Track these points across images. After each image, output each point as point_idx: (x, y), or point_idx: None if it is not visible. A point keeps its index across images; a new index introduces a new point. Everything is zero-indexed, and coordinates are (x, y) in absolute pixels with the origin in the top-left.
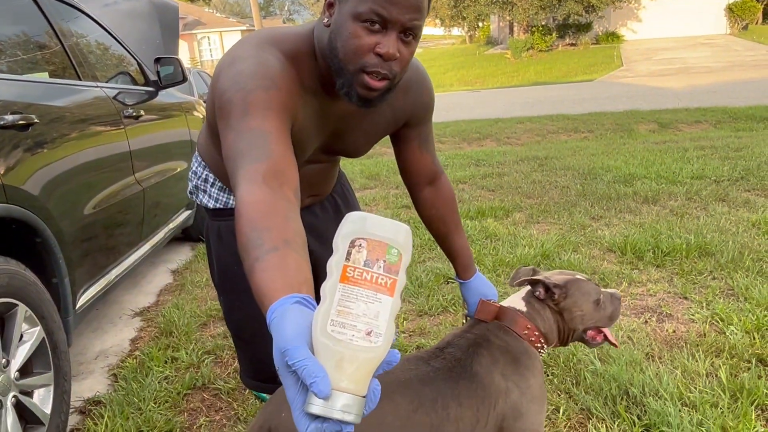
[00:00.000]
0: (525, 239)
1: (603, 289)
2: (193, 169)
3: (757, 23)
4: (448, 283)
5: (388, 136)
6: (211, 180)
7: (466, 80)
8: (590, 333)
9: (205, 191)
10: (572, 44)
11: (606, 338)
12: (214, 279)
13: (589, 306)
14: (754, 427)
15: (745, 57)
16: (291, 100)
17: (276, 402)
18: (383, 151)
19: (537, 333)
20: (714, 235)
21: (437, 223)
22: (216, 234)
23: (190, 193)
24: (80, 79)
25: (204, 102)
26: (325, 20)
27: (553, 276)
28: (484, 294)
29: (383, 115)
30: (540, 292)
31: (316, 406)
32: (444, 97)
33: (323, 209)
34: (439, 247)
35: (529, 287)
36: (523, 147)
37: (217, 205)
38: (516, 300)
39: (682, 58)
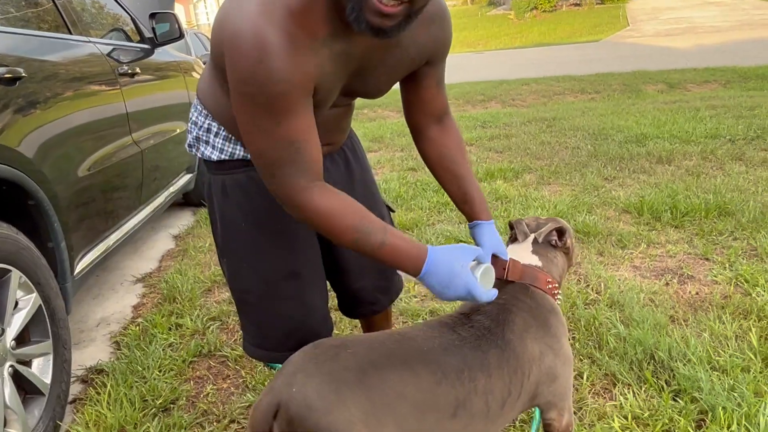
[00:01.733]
0: (537, 201)
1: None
2: (193, 119)
3: None
4: None
5: None
6: (215, 129)
7: (468, 42)
8: None
9: (207, 142)
10: (576, 4)
11: None
12: (216, 240)
13: (574, 240)
14: None
15: (753, 16)
16: (307, 81)
17: (286, 375)
18: (386, 114)
19: (556, 284)
20: (733, 194)
21: (448, 162)
22: (220, 189)
23: (189, 146)
24: (70, 33)
25: (203, 63)
26: None
27: (539, 222)
28: (498, 246)
29: (407, 52)
30: (555, 239)
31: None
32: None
33: (333, 163)
34: (449, 210)
35: (531, 239)
36: (530, 108)
37: (223, 156)
38: (525, 254)
39: (688, 17)
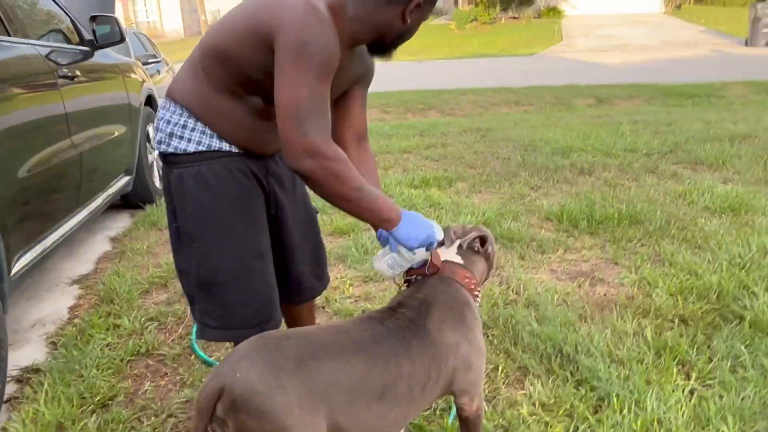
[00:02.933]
0: (467, 208)
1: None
2: (165, 118)
3: (690, 2)
4: None
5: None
6: (191, 125)
7: (410, 50)
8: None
9: (182, 137)
10: (515, 17)
11: None
12: (184, 229)
13: (495, 248)
14: (675, 381)
15: (677, 36)
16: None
17: (231, 362)
18: None
19: (474, 281)
20: (644, 205)
21: (365, 176)
22: (194, 177)
23: (159, 142)
24: (9, 35)
25: (142, 63)
26: (410, 20)
27: (465, 230)
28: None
29: (356, 69)
30: (477, 245)
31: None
32: (388, 67)
33: (282, 163)
34: None
35: (456, 244)
36: (467, 118)
37: (200, 148)
38: (451, 255)
39: (619, 34)
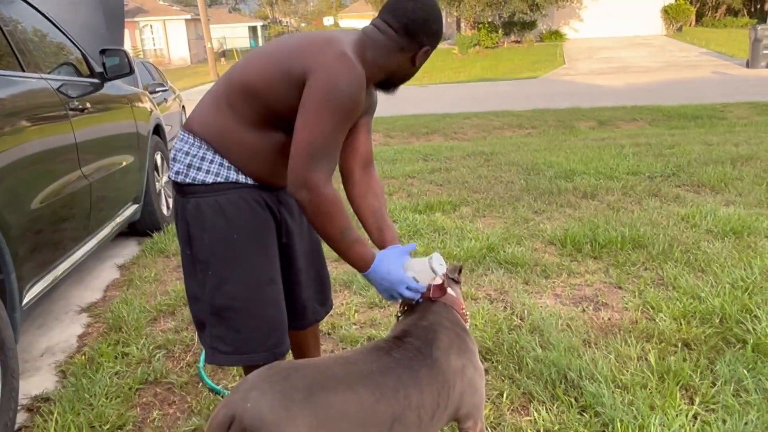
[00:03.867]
0: (471, 233)
1: None
2: (184, 149)
3: (690, 25)
4: None
5: None
6: (210, 157)
7: (414, 75)
8: None
9: (200, 168)
10: (517, 41)
11: None
12: (198, 256)
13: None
14: (679, 406)
15: (678, 57)
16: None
17: (241, 391)
18: None
19: (467, 310)
20: (647, 228)
21: (372, 199)
22: (212, 207)
23: (177, 173)
24: (23, 70)
25: (150, 92)
26: (417, 63)
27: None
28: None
29: (365, 103)
30: (457, 276)
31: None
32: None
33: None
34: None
35: (441, 276)
36: (470, 142)
37: (218, 179)
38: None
39: (620, 57)
